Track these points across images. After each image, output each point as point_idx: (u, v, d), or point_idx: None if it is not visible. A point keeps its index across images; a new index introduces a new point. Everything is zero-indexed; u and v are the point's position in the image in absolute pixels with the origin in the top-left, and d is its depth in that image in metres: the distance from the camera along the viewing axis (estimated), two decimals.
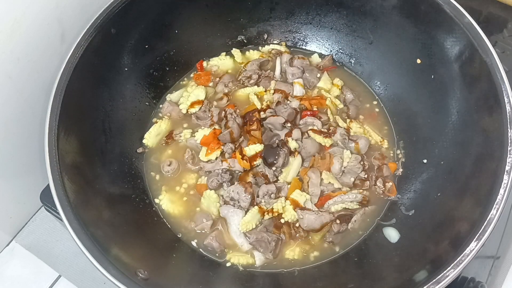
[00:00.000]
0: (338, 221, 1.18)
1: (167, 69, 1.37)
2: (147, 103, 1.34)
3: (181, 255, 1.14)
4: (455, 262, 0.88)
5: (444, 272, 0.88)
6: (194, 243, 1.18)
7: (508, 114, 0.98)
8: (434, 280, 0.88)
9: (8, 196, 1.35)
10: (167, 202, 1.22)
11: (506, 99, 0.99)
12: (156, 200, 1.23)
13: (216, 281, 1.10)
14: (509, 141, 0.96)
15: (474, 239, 0.89)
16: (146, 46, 1.28)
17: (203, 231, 1.18)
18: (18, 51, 1.15)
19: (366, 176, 1.26)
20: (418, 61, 1.25)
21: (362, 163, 1.25)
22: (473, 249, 0.89)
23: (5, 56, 1.12)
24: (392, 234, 1.16)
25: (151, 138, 1.31)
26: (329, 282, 1.11)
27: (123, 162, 1.22)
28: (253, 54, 1.46)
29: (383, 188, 1.24)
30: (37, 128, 1.26)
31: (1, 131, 1.22)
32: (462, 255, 0.89)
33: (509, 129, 0.97)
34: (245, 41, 1.46)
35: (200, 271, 1.11)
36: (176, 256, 1.11)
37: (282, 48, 1.47)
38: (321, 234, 1.18)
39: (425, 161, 1.24)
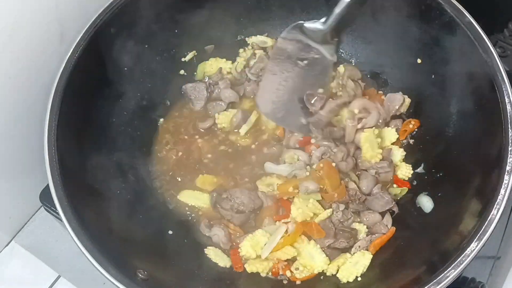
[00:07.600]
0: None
1: (166, 68, 1.37)
2: (147, 103, 1.34)
3: (182, 255, 1.13)
4: (456, 262, 0.88)
5: (445, 272, 0.88)
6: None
7: (508, 114, 0.97)
8: (434, 281, 0.88)
9: (7, 196, 1.34)
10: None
11: (506, 99, 0.99)
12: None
13: (217, 282, 1.10)
14: (510, 141, 0.96)
15: (475, 239, 0.89)
16: (146, 46, 1.28)
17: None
18: (18, 51, 1.14)
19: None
20: (419, 61, 1.25)
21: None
22: (474, 249, 0.88)
23: (5, 56, 1.12)
24: None
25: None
26: (329, 283, 1.11)
27: (123, 162, 1.22)
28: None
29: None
30: (36, 128, 1.25)
31: (0, 131, 1.21)
32: (462, 255, 0.88)
33: (509, 129, 0.96)
34: (245, 40, 1.45)
35: (200, 272, 1.11)
36: (177, 256, 1.11)
37: (269, 41, 1.42)
38: None
39: (425, 161, 1.23)
